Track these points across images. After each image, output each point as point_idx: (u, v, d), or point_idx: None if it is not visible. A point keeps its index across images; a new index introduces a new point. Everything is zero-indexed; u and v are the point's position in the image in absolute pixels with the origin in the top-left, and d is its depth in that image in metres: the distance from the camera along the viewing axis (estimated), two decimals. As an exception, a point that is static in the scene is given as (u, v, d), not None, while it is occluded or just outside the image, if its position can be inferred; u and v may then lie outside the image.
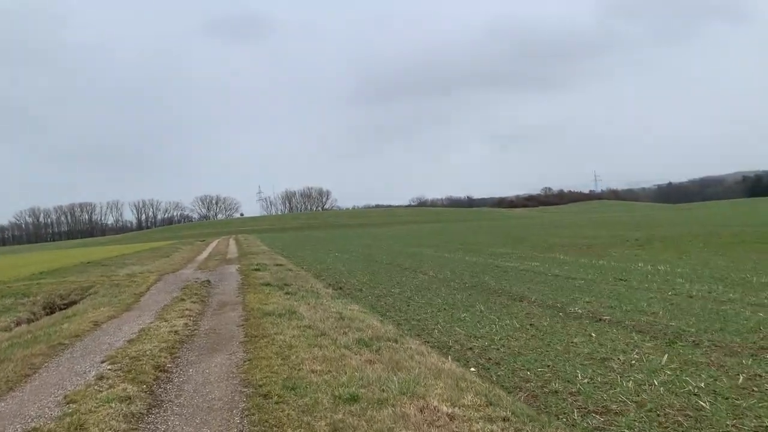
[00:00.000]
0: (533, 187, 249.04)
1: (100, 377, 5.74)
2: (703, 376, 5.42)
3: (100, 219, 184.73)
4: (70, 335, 8.21)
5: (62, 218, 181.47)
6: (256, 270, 17.87)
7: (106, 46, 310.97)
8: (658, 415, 4.52)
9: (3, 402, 5.20)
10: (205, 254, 33.35)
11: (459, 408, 4.48)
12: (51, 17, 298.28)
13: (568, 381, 5.59)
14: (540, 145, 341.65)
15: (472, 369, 6.21)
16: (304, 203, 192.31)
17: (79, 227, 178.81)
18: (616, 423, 4.46)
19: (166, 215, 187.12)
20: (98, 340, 7.88)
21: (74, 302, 14.52)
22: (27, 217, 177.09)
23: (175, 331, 8.06)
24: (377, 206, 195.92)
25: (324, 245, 38.65)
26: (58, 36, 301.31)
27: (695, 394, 4.92)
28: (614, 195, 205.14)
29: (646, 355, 6.28)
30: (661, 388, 5.13)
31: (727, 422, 4.30)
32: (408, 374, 5.44)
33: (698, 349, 6.38)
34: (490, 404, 4.63)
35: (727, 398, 4.79)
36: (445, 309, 10.18)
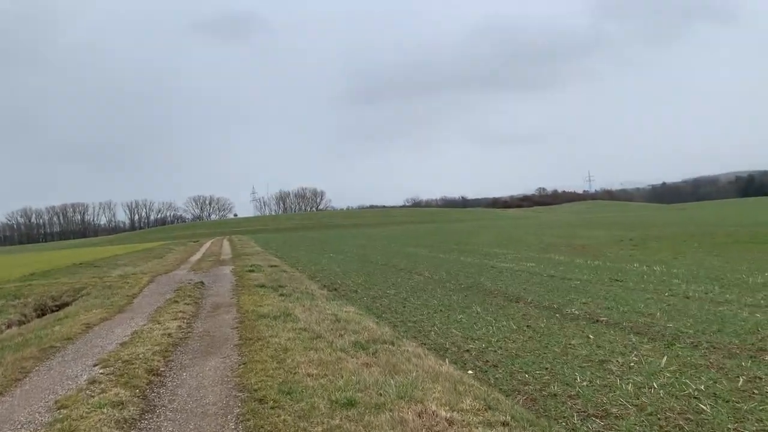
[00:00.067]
0: (527, 188, 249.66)
1: (92, 381, 5.64)
2: (702, 378, 5.38)
3: (93, 219, 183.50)
4: (62, 338, 8.09)
5: (54, 219, 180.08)
6: (251, 271, 17.74)
7: (98, 45, 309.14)
8: (659, 419, 4.48)
9: (-8, 408, 5.09)
10: (198, 255, 33.15)
11: (458, 412, 4.42)
12: (42, 17, 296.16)
13: (567, 384, 5.53)
14: (533, 145, 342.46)
15: (470, 372, 6.15)
16: (298, 204, 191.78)
17: (71, 228, 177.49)
18: (617, 427, 4.41)
19: (159, 216, 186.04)
20: (90, 343, 7.77)
21: (66, 304, 14.36)
22: (19, 218, 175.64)
23: (169, 334, 7.96)
24: (372, 207, 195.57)
25: (318, 246, 38.53)
26: (50, 36, 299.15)
27: (695, 397, 4.88)
28: (608, 195, 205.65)
29: (645, 357, 6.24)
30: (661, 391, 5.09)
31: (729, 426, 4.26)
32: (405, 378, 5.37)
33: (697, 351, 6.34)
34: (489, 408, 4.57)
35: (727, 401, 4.75)
36: (441, 310, 10.12)
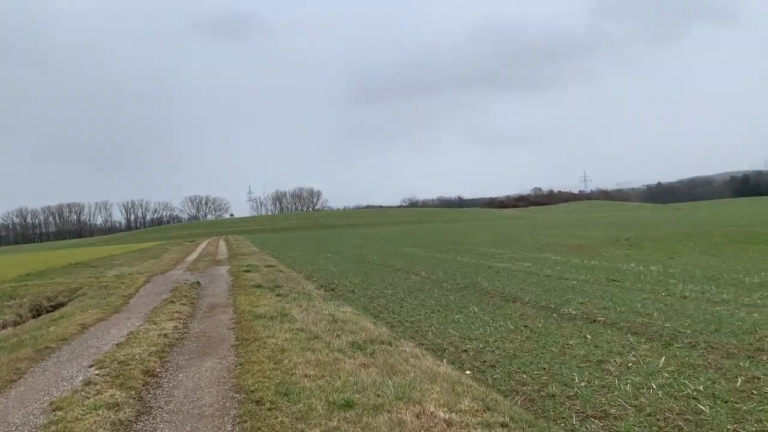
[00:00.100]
0: (523, 188, 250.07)
1: (88, 383, 5.59)
2: (701, 378, 5.37)
3: (89, 219, 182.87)
4: (57, 339, 8.03)
5: (50, 219, 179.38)
6: (247, 271, 17.69)
7: (96, 45, 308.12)
8: (658, 420, 4.46)
9: (-14, 409, 5.04)
10: (194, 255, 33.06)
11: (456, 413, 4.39)
12: (41, 17, 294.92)
13: (565, 384, 5.52)
14: (530, 145, 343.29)
15: (468, 372, 6.12)
16: (295, 204, 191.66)
17: (67, 228, 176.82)
18: (616, 428, 4.39)
19: (155, 216, 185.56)
20: (86, 343, 7.72)
21: (62, 304, 14.28)
22: (14, 218, 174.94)
23: (165, 335, 7.91)
24: (368, 207, 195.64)
25: (315, 246, 38.48)
26: (48, 36, 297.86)
27: (694, 398, 4.87)
28: (604, 195, 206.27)
29: (643, 357, 6.23)
30: (660, 392, 5.07)
31: (728, 427, 4.25)
32: (403, 378, 5.34)
33: (695, 351, 6.33)
34: (488, 409, 4.54)
35: (726, 402, 4.74)
36: (438, 310, 10.10)
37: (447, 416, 4.30)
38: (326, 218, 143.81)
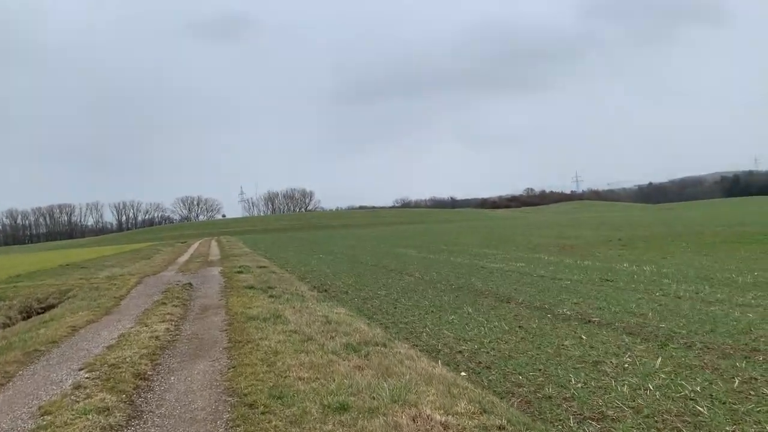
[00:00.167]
0: (515, 188, 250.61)
1: (77, 386, 5.48)
2: (698, 379, 5.34)
3: (80, 220, 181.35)
4: (47, 341, 7.91)
5: (41, 220, 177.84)
6: (239, 272, 17.57)
7: (87, 46, 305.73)
8: (656, 421, 4.42)
9: (-27, 414, 4.93)
10: (186, 256, 32.85)
11: (453, 416, 4.33)
12: (31, 16, 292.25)
13: (562, 386, 5.47)
14: (521, 145, 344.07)
15: (463, 374, 6.07)
16: (287, 204, 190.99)
17: (58, 229, 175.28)
18: (614, 430, 4.35)
19: (146, 216, 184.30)
20: (76, 346, 7.60)
21: (52, 306, 14.13)
22: (4, 219, 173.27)
23: (156, 337, 7.80)
24: (361, 207, 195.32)
25: (308, 247, 38.36)
26: (39, 36, 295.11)
27: (692, 399, 4.83)
28: (595, 195, 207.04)
29: (639, 358, 6.20)
30: (657, 393, 5.04)
31: (727, 428, 4.21)
32: (398, 380, 5.28)
33: (691, 352, 6.31)
34: (484, 411, 4.49)
35: (724, 403, 4.71)
36: (432, 311, 10.05)
37: (444, 419, 4.24)
38: (319, 219, 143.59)
